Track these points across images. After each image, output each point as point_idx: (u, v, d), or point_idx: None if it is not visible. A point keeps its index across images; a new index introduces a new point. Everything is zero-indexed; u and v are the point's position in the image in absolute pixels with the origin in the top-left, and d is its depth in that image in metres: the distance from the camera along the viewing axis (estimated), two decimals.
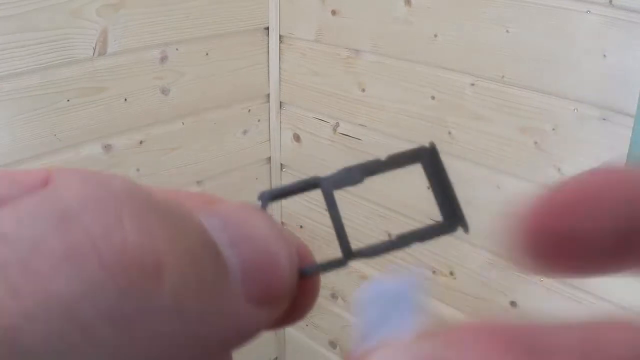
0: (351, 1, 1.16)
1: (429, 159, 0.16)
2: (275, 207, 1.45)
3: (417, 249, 1.20)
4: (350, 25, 1.18)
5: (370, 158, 0.16)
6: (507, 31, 0.96)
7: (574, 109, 0.92)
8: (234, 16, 1.23)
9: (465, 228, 0.15)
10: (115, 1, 1.04)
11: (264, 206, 0.16)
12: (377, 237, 1.27)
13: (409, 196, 1.19)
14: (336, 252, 0.18)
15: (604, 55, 0.87)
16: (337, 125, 1.27)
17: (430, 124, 1.11)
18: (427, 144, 0.16)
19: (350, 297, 1.38)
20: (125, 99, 1.11)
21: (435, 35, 1.05)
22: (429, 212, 1.15)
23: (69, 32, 1.00)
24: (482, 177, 1.07)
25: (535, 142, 0.98)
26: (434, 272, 1.20)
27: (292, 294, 0.15)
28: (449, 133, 1.09)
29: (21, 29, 0.95)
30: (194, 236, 0.14)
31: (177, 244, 0.13)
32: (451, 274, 1.17)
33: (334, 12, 1.19)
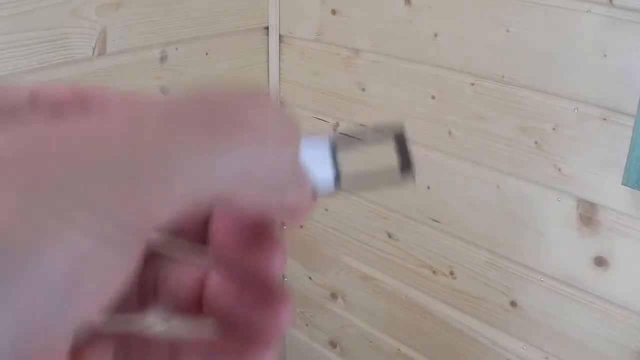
0: (351, 1, 1.16)
1: (399, 133, 0.23)
2: None
3: (417, 249, 1.20)
4: (350, 24, 1.18)
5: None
6: (507, 31, 0.96)
7: (575, 109, 0.92)
8: (234, 16, 1.23)
9: (413, 180, 0.23)
10: (115, 1, 1.04)
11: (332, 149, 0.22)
12: (377, 236, 1.27)
13: (409, 196, 1.19)
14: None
15: (604, 55, 0.87)
16: (337, 125, 1.27)
17: (430, 124, 1.11)
18: (398, 125, 0.23)
19: (350, 297, 1.38)
20: None
21: (435, 35, 1.05)
22: (429, 212, 1.15)
23: (68, 32, 1.00)
24: (482, 177, 1.07)
25: (535, 142, 0.98)
26: (434, 272, 1.20)
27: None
28: (449, 133, 1.08)
29: (21, 29, 0.95)
30: None
31: None
32: (451, 274, 1.17)
33: (334, 12, 1.19)
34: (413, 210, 1.19)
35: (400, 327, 1.30)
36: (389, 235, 1.25)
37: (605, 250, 0.95)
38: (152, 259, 0.23)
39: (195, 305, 0.22)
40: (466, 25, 1.01)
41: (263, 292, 0.22)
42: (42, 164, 0.15)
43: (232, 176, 0.16)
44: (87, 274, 0.15)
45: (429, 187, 1.15)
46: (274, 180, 0.18)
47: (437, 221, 1.16)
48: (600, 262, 0.96)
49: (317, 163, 0.22)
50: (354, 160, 0.23)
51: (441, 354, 1.25)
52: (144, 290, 0.23)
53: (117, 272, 0.16)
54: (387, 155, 0.23)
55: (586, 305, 0.99)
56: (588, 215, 0.95)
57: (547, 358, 1.07)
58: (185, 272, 0.23)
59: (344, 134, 0.23)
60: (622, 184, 0.88)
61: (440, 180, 1.13)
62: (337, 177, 0.22)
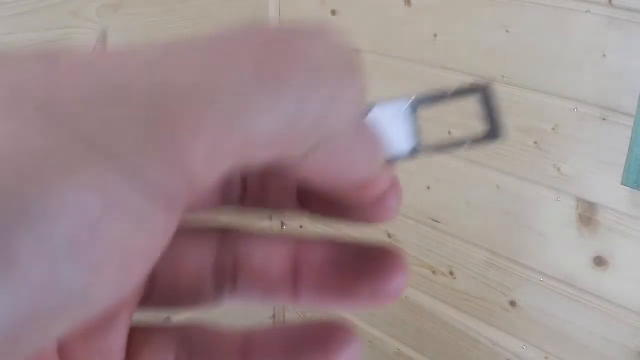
0: (351, 1, 1.16)
1: (484, 91, 0.21)
2: None
3: (417, 249, 1.20)
4: (350, 25, 1.18)
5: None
6: (507, 31, 0.96)
7: (574, 109, 0.92)
8: (234, 16, 1.23)
9: (504, 136, 0.21)
10: (115, 1, 1.04)
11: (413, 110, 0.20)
12: (377, 237, 1.27)
13: (409, 196, 1.18)
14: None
15: (604, 55, 0.87)
16: None
17: (431, 124, 1.10)
18: (484, 82, 0.21)
19: None
20: None
21: (435, 35, 1.05)
22: (429, 212, 1.15)
23: (68, 32, 1.00)
24: (482, 177, 1.07)
25: (535, 142, 0.98)
26: (434, 272, 1.20)
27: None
28: (449, 133, 1.09)
29: (21, 29, 0.95)
30: None
31: None
32: (451, 274, 1.17)
33: (333, 12, 1.19)
34: (413, 210, 1.19)
35: (400, 327, 1.30)
36: (389, 235, 1.25)
37: (605, 250, 0.95)
38: (228, 237, 0.19)
39: (285, 286, 0.19)
40: (466, 25, 1.01)
41: (370, 258, 0.19)
42: (58, 98, 0.12)
43: (285, 120, 0.13)
44: (97, 243, 0.12)
45: (429, 187, 1.15)
46: (334, 133, 0.15)
47: (437, 221, 1.16)
48: (599, 262, 0.96)
49: (391, 126, 0.19)
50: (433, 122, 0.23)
51: (441, 354, 1.25)
52: (221, 275, 0.19)
53: (139, 247, 0.12)
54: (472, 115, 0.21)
55: (586, 305, 0.99)
56: (588, 215, 0.95)
57: (547, 358, 1.07)
58: (273, 248, 0.19)
59: (423, 95, 0.21)
60: (622, 184, 0.88)
61: (440, 180, 1.13)
62: (416, 142, 0.20)
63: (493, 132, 0.21)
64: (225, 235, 0.19)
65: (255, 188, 0.19)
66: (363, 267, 0.19)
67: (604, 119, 0.90)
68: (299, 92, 0.14)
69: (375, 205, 0.19)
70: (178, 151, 0.12)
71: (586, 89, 0.90)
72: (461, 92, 0.21)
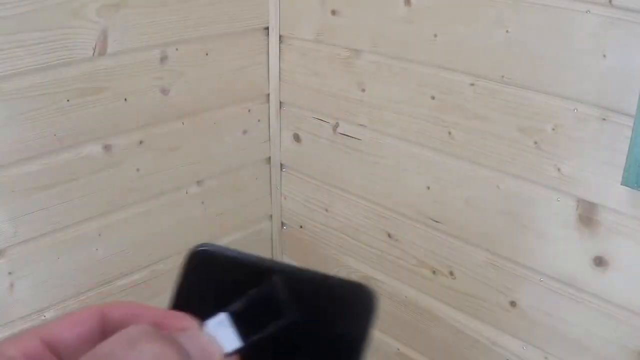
0: (351, 1, 1.16)
1: (271, 281, 0.29)
2: (276, 207, 1.45)
3: (417, 249, 1.21)
4: (350, 25, 1.18)
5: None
6: (507, 31, 0.96)
7: (574, 109, 0.92)
8: (234, 16, 1.23)
9: (290, 314, 0.28)
10: (116, 1, 1.04)
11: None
12: (377, 237, 1.27)
13: (409, 196, 1.19)
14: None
15: (604, 55, 0.87)
16: (337, 125, 1.27)
17: (430, 124, 1.11)
18: (272, 276, 0.29)
19: None
20: (125, 99, 1.11)
21: (435, 35, 1.05)
22: (429, 212, 1.15)
23: (69, 32, 1.00)
24: (482, 177, 1.07)
25: (535, 142, 0.98)
26: (434, 272, 1.20)
27: None
28: (449, 133, 1.09)
29: (21, 29, 0.95)
30: None
31: None
32: (451, 274, 1.17)
33: (334, 12, 1.19)
34: (413, 210, 1.19)
35: (400, 327, 1.30)
36: (389, 236, 1.25)
37: (605, 250, 0.95)
38: None
39: None
40: (466, 25, 1.01)
41: None
42: None
43: None
44: None
45: (429, 187, 1.15)
46: None
47: (437, 221, 1.16)
48: (599, 262, 0.96)
49: (221, 334, 0.28)
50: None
51: (441, 354, 1.25)
52: None
53: None
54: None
55: (586, 305, 0.99)
56: (588, 215, 0.95)
57: (547, 358, 1.07)
58: None
59: (234, 308, 0.28)
60: (622, 184, 0.88)
61: (440, 180, 1.13)
62: (243, 337, 0.27)
63: (285, 312, 0.28)
64: None
65: None
66: None
67: (604, 119, 0.90)
68: None
69: None
70: None
71: (586, 89, 0.90)
72: (261, 290, 0.28)
